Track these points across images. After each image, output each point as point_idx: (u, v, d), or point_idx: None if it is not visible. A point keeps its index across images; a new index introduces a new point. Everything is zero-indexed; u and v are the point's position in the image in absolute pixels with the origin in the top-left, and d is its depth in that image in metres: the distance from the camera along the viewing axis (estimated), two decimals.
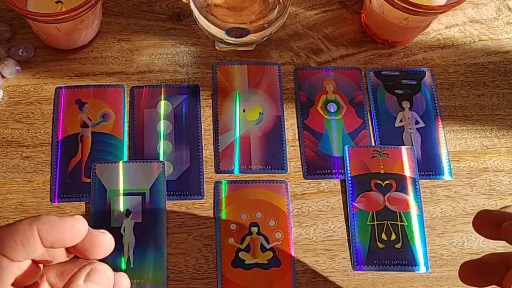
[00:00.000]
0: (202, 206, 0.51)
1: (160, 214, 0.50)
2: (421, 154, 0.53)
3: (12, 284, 0.33)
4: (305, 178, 0.52)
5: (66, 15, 0.48)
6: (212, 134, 0.53)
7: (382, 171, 0.52)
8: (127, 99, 0.54)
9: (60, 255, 0.36)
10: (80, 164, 0.51)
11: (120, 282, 0.37)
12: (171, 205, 0.51)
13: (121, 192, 0.50)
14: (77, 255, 0.36)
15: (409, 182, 0.52)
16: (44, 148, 0.52)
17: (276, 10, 0.52)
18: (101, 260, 0.36)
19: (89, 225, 0.35)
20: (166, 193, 0.51)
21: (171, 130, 0.53)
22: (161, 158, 0.52)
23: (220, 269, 0.49)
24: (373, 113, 0.55)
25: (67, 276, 0.35)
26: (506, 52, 0.58)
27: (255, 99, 0.55)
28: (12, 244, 0.32)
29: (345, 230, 0.51)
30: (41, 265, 0.36)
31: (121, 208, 0.49)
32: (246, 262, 0.49)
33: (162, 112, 0.54)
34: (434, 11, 0.51)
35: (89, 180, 0.51)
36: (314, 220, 0.51)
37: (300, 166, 0.53)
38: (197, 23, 0.53)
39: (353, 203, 0.51)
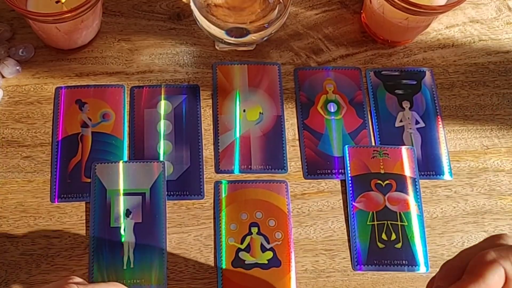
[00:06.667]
0: (202, 206, 0.51)
1: (160, 214, 0.50)
2: (421, 154, 0.53)
3: None
4: (305, 178, 0.52)
5: (66, 15, 0.48)
6: (212, 134, 0.53)
7: (382, 171, 0.52)
8: (127, 99, 0.54)
9: None
10: (80, 164, 0.51)
11: None
12: (171, 205, 0.51)
13: (121, 192, 0.50)
14: None
15: (409, 182, 0.52)
16: (44, 148, 0.52)
17: (276, 10, 0.52)
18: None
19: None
20: (166, 193, 0.51)
21: (171, 130, 0.53)
22: (161, 158, 0.52)
23: (220, 269, 0.49)
24: (373, 113, 0.55)
25: None
26: (506, 52, 0.58)
27: (255, 99, 0.55)
28: None
29: (345, 230, 0.51)
30: None
31: (121, 208, 0.49)
32: (246, 262, 0.49)
33: (162, 112, 0.54)
34: (434, 11, 0.51)
35: (89, 180, 0.51)
36: (314, 220, 0.51)
37: (300, 166, 0.53)
38: (197, 23, 0.53)
39: (353, 203, 0.51)
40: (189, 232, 0.50)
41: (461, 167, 0.53)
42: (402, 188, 0.51)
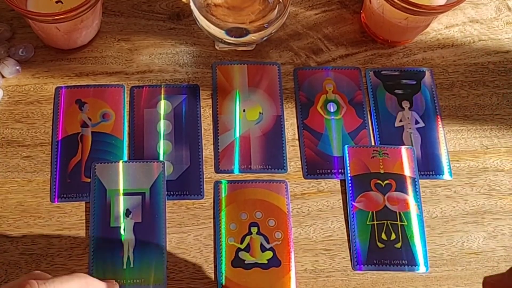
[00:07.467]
0: (202, 206, 0.51)
1: (160, 214, 0.50)
2: (421, 154, 0.53)
3: None
4: (305, 178, 0.52)
5: (66, 15, 0.48)
6: (212, 134, 0.53)
7: (382, 171, 0.52)
8: (127, 99, 0.54)
9: None
10: (80, 164, 0.51)
11: None
12: (171, 205, 0.51)
13: (121, 192, 0.50)
14: None
15: (409, 182, 0.52)
16: (44, 148, 0.52)
17: (276, 10, 0.52)
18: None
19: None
20: (166, 193, 0.51)
21: (171, 130, 0.53)
22: (161, 158, 0.52)
23: (220, 269, 0.49)
24: (373, 113, 0.55)
25: None
26: (506, 52, 0.58)
27: (255, 99, 0.55)
28: None
29: (345, 230, 0.51)
30: None
31: (121, 208, 0.50)
32: (246, 262, 0.49)
33: (162, 112, 0.54)
34: (434, 11, 0.51)
35: (89, 180, 0.51)
36: (314, 220, 0.51)
37: (300, 166, 0.53)
38: (197, 23, 0.53)
39: (353, 203, 0.51)
40: (189, 232, 0.50)
41: (461, 167, 0.53)
42: (402, 188, 0.51)
